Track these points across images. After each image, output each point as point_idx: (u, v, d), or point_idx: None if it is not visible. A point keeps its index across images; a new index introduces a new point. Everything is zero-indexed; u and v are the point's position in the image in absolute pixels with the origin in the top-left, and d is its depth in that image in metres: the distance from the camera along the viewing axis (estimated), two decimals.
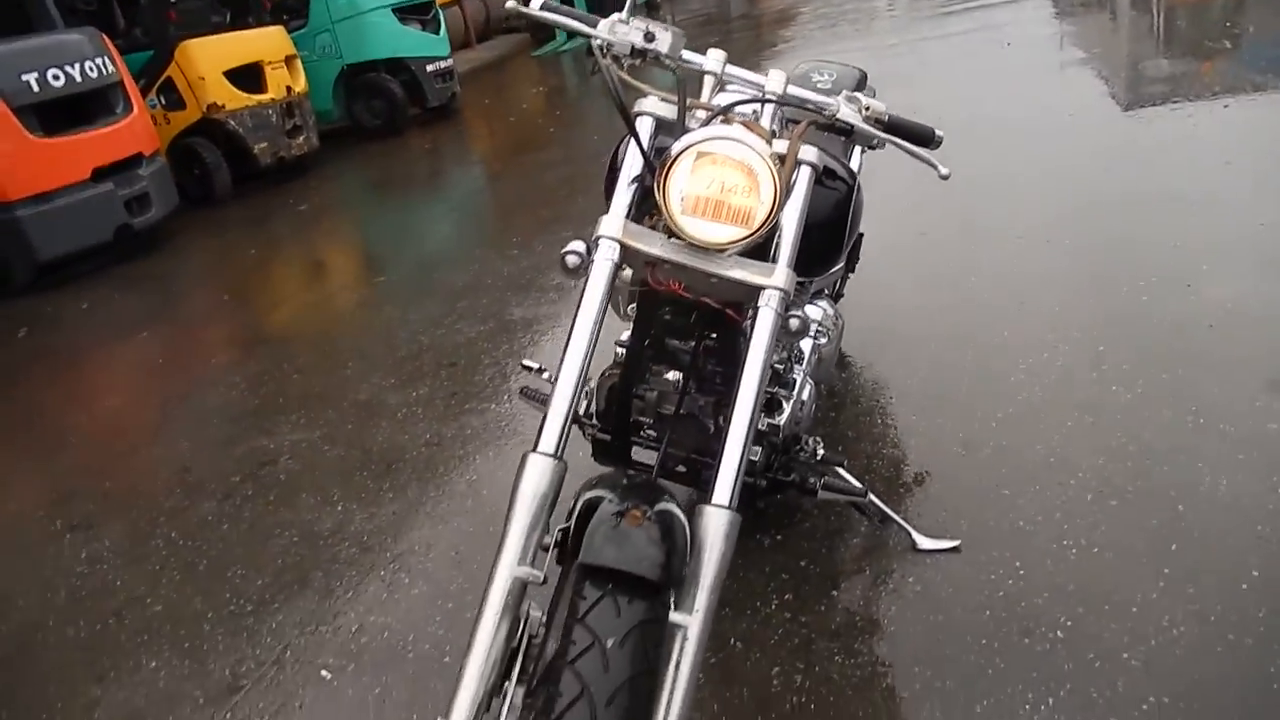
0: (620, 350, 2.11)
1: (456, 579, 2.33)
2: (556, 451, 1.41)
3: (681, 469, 2.08)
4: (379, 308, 4.02)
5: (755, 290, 1.53)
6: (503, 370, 3.35)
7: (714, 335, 1.86)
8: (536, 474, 1.38)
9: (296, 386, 3.42)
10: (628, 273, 2.00)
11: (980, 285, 3.44)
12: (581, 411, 2.20)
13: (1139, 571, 2.05)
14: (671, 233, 1.54)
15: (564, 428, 1.43)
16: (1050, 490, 2.34)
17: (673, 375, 1.99)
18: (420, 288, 4.16)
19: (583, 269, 1.58)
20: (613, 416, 2.07)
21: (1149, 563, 2.07)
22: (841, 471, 2.23)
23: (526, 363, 2.35)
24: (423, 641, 2.14)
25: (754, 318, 1.53)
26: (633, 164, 1.59)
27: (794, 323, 1.58)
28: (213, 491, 2.80)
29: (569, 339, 1.49)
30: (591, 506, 1.33)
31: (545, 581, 1.40)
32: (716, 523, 1.39)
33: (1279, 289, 3.09)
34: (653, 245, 1.54)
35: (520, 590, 1.35)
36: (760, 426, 2.11)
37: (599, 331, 1.52)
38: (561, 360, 1.48)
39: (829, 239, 2.00)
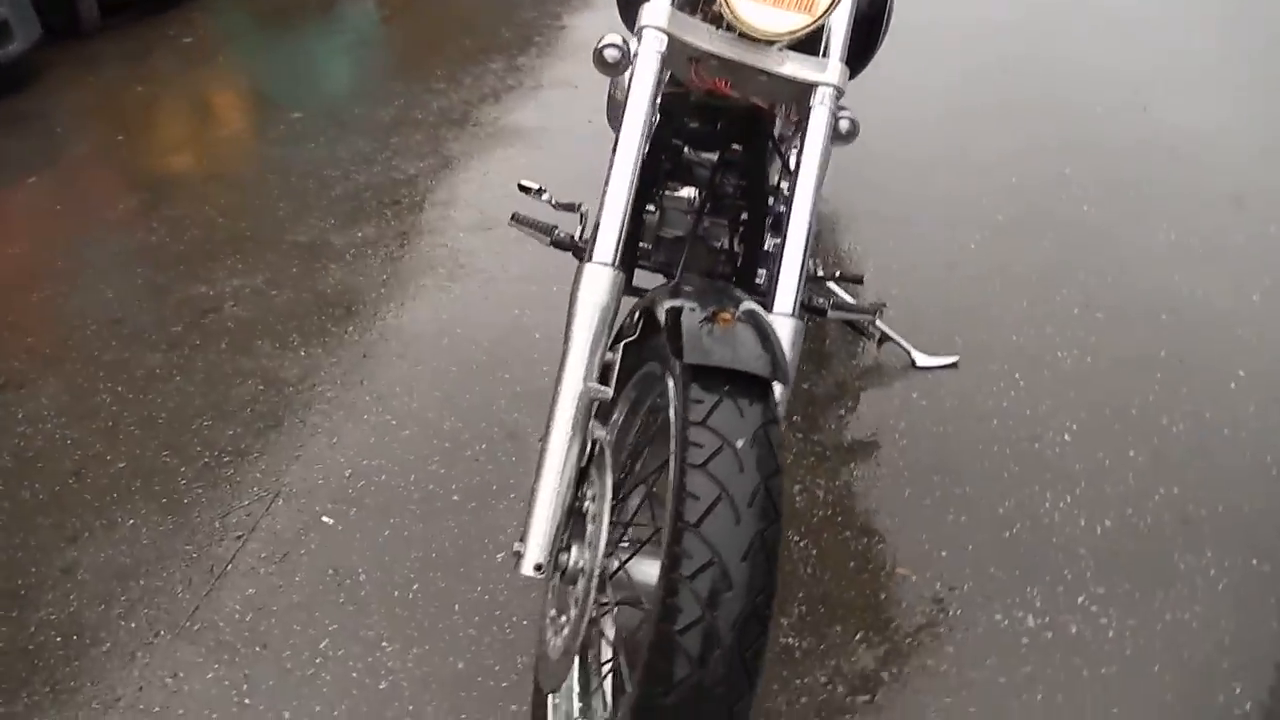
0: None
1: (448, 418, 2.22)
2: (614, 260, 1.31)
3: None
4: (300, 145, 3.69)
5: (807, 88, 1.42)
6: (451, 207, 3.16)
7: (739, 146, 1.75)
8: (597, 284, 1.29)
9: (224, 230, 3.13)
10: (613, 76, 1.88)
11: (940, 111, 3.40)
12: (577, 236, 2.08)
13: (1133, 377, 2.12)
14: (720, 23, 1.41)
15: (620, 235, 1.33)
16: (1037, 306, 2.38)
17: (687, 192, 1.88)
18: (343, 124, 3.83)
19: (624, 63, 1.44)
20: (629, 237, 1.95)
21: (1141, 369, 2.14)
22: (838, 290, 2.20)
23: (525, 183, 2.18)
24: (425, 483, 2.04)
25: (806, 117, 1.43)
26: None
27: (844, 124, 1.49)
28: (154, 343, 2.56)
29: (619, 138, 1.36)
30: (654, 316, 1.24)
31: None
32: (784, 331, 1.34)
33: (1229, 111, 3.17)
34: (701, 38, 1.40)
35: (588, 407, 1.28)
36: (767, 247, 2.03)
37: (650, 131, 1.39)
38: (612, 162, 1.35)
39: (866, 34, 1.88)
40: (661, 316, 1.22)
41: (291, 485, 2.06)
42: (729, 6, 1.34)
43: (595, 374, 1.28)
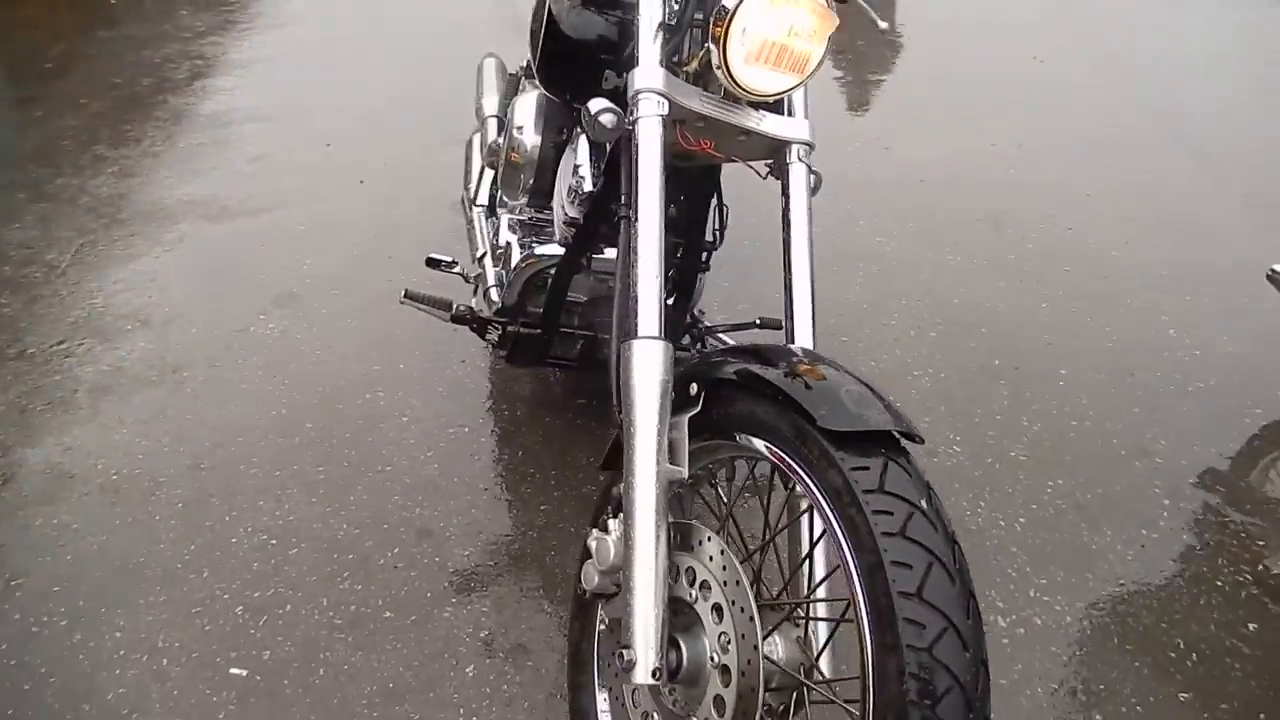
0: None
1: (339, 527, 1.97)
2: (661, 333, 1.25)
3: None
4: None
5: (781, 144, 1.46)
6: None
7: (683, 198, 1.74)
8: (652, 360, 1.22)
9: None
10: (532, 142, 1.81)
11: None
12: (488, 310, 1.95)
13: (984, 386, 2.38)
14: (701, 84, 1.41)
15: (660, 305, 1.27)
16: (878, 333, 2.60)
17: (612, 252, 1.84)
18: None
19: (620, 128, 1.38)
20: (552, 305, 1.87)
21: (987, 378, 2.41)
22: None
23: (434, 255, 2.00)
24: (344, 604, 1.79)
25: (785, 173, 1.46)
26: (653, 3, 1.39)
27: (812, 179, 1.54)
28: None
29: (637, 215, 1.29)
30: (721, 384, 1.20)
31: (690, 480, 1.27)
32: None
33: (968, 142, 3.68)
34: (692, 100, 1.39)
35: (667, 490, 1.20)
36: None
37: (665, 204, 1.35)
38: (636, 232, 1.29)
39: None
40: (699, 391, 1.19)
41: (176, 644, 1.72)
42: (729, 70, 1.33)
43: (667, 454, 1.21)
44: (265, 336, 2.58)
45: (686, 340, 2.05)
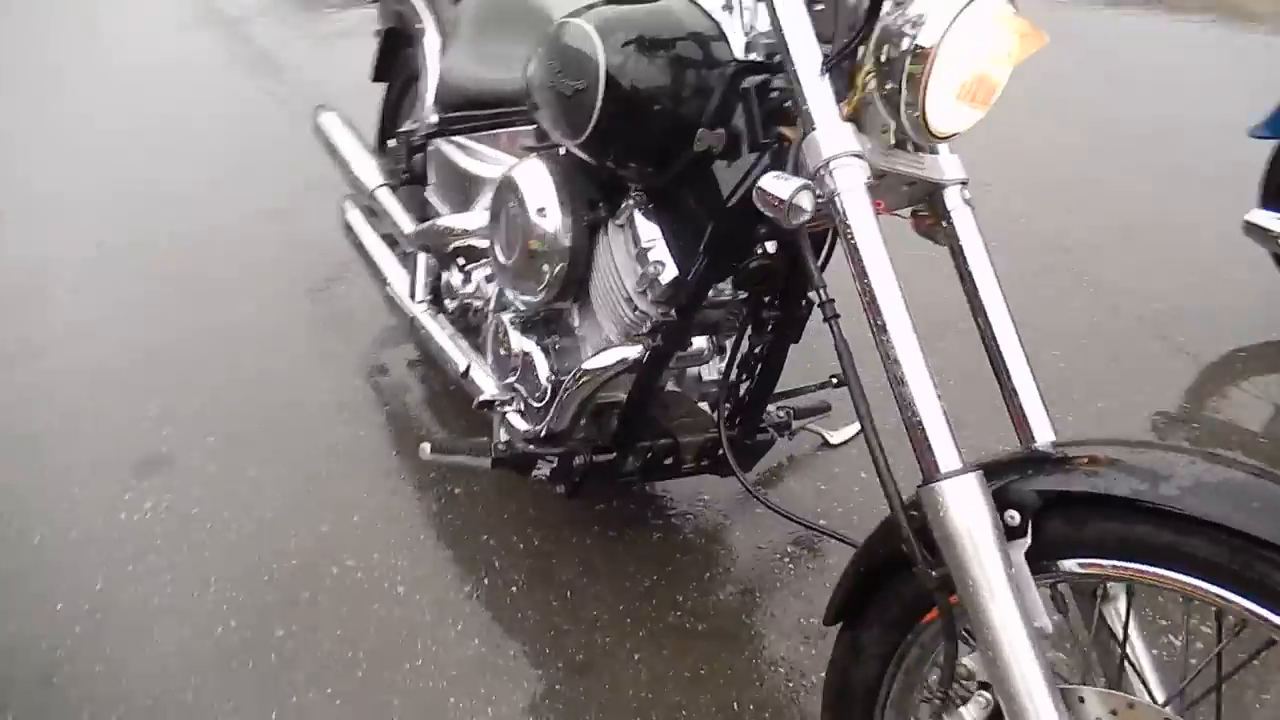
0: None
1: None
2: (964, 463, 0.97)
3: (695, 461, 1.63)
4: None
5: (936, 189, 1.21)
6: None
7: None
8: (972, 500, 0.96)
9: None
10: (560, 226, 1.45)
11: None
12: (505, 441, 1.55)
13: None
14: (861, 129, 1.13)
15: (952, 430, 0.99)
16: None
17: (699, 342, 1.51)
18: None
19: (819, 208, 1.06)
20: (630, 421, 1.50)
21: None
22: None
23: (485, 397, 1.52)
24: None
25: (947, 219, 1.21)
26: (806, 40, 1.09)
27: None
28: None
29: (883, 325, 1.00)
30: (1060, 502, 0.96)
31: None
32: None
33: None
34: (876, 156, 1.11)
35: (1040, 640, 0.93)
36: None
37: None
38: (891, 351, 0.99)
39: None
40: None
41: None
42: (925, 112, 1.07)
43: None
44: (145, 525, 1.95)
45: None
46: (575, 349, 1.61)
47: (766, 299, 1.44)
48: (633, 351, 1.43)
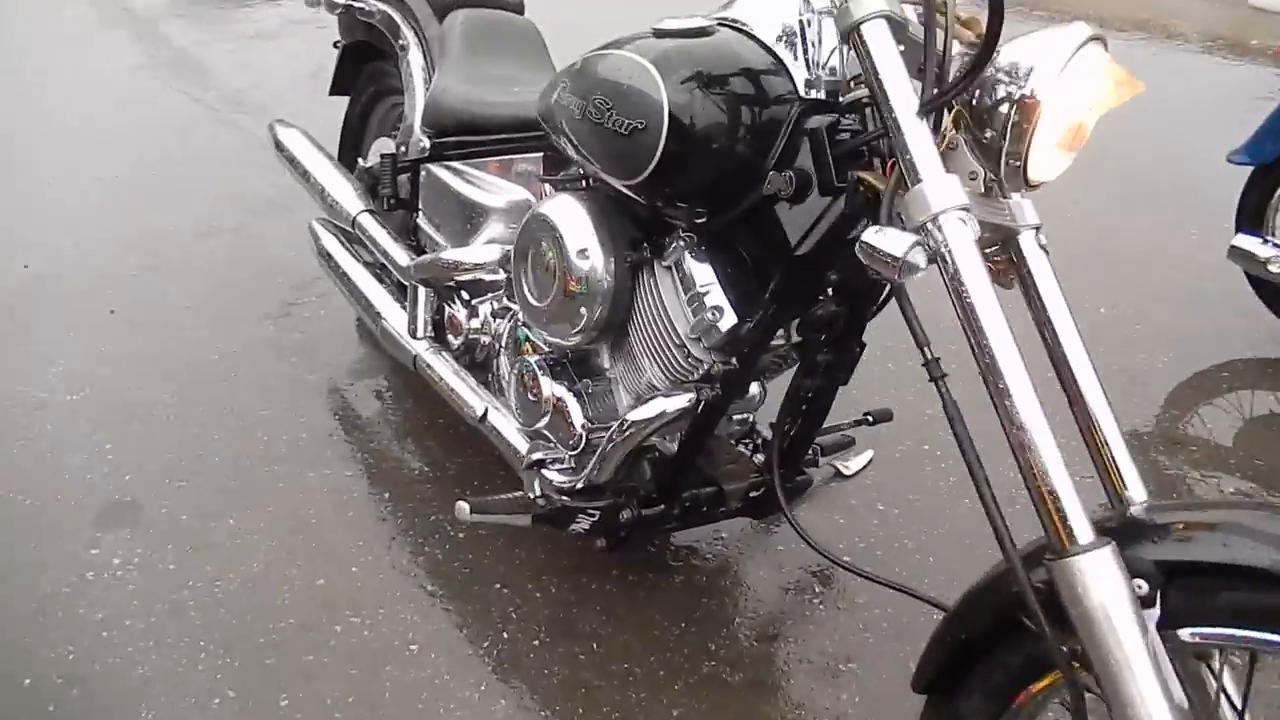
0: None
1: None
2: (1096, 534, 0.95)
3: (743, 500, 1.58)
4: None
5: (1011, 233, 1.19)
6: None
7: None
8: (1109, 574, 0.93)
9: None
10: (602, 268, 1.37)
11: None
12: (575, 490, 1.47)
13: None
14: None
15: (1080, 502, 0.96)
16: None
17: (752, 388, 1.46)
18: None
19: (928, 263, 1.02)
20: (681, 471, 1.44)
21: None
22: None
23: (536, 456, 1.42)
24: None
25: (1021, 267, 1.19)
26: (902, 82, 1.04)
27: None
28: None
29: (1007, 392, 0.97)
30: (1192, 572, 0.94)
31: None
32: None
33: None
34: (976, 206, 1.08)
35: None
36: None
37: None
38: (1016, 419, 0.96)
39: None
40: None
41: None
42: (1027, 161, 1.05)
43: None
44: (116, 584, 1.79)
45: None
46: (608, 393, 1.53)
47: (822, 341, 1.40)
48: (682, 400, 1.37)
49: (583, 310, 1.42)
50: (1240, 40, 4.75)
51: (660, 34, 1.29)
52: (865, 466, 2.04)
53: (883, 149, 1.19)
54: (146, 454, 2.10)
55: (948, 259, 0.99)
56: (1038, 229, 1.17)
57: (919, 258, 1.00)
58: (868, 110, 1.21)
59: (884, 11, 1.06)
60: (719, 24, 1.29)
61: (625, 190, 1.33)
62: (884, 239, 1.01)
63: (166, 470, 2.06)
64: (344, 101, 2.57)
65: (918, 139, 1.03)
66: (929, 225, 1.01)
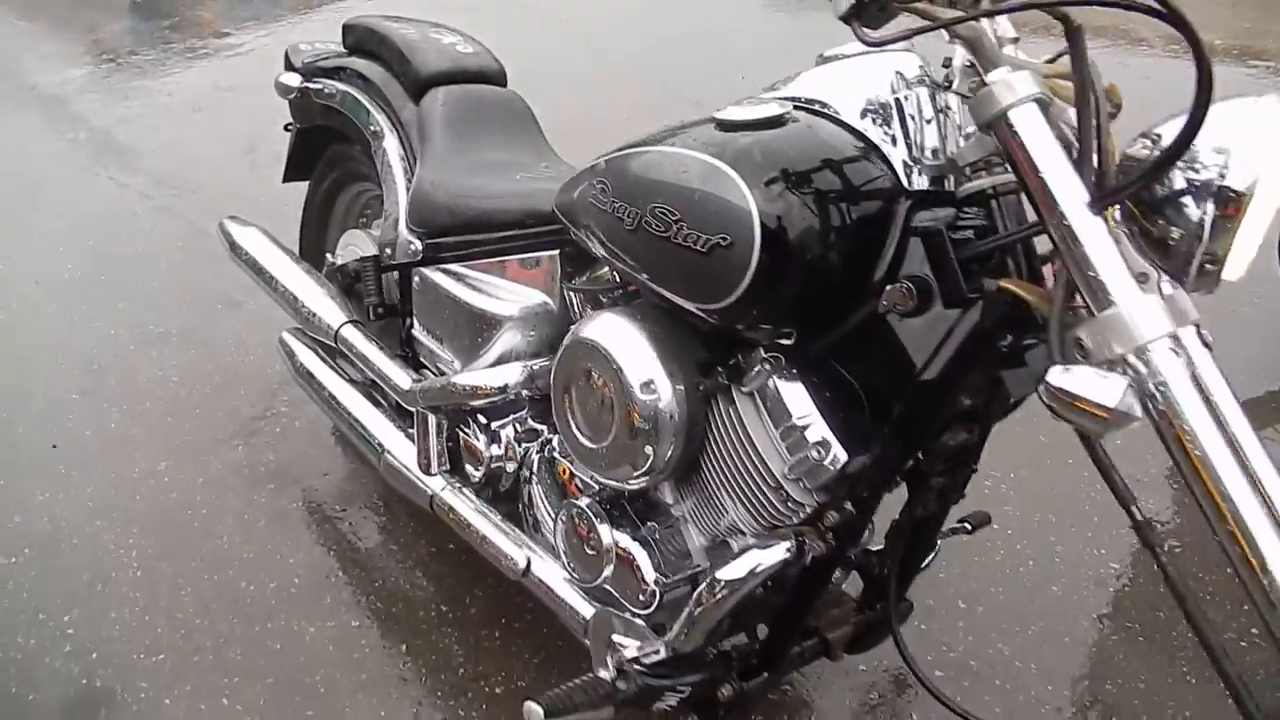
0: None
1: None
2: None
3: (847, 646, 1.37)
4: None
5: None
6: None
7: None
8: None
9: None
10: (672, 399, 1.15)
11: None
12: (658, 656, 1.24)
13: None
14: None
15: None
16: None
17: None
18: None
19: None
20: (783, 632, 1.22)
21: None
22: None
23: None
24: None
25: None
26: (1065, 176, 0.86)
27: None
28: None
29: (1240, 543, 0.77)
30: None
31: None
32: None
33: None
34: None
35: None
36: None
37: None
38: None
39: None
40: None
41: None
42: (1226, 257, 0.87)
43: None
44: None
45: None
46: (676, 534, 1.31)
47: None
48: (779, 550, 1.15)
49: (648, 450, 1.19)
50: None
51: (726, 126, 1.08)
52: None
53: (1016, 250, 1.00)
54: (113, 626, 1.81)
55: (1168, 398, 0.79)
56: (1198, 325, 0.99)
57: (1132, 405, 0.80)
58: (994, 204, 1.01)
59: (1036, 95, 0.87)
60: (793, 106, 1.08)
61: (699, 313, 1.11)
62: (1080, 382, 0.81)
63: (139, 643, 1.77)
64: (289, 184, 2.31)
65: (1099, 246, 0.84)
66: (1131, 358, 0.81)
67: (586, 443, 1.26)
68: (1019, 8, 0.88)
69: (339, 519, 2.08)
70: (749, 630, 1.31)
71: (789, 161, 1.02)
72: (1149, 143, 0.91)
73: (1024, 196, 1.01)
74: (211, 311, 2.87)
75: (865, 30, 0.88)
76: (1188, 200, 0.86)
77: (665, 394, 1.17)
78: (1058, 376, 0.83)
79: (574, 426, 1.28)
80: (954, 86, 1.01)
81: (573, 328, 1.29)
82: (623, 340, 1.20)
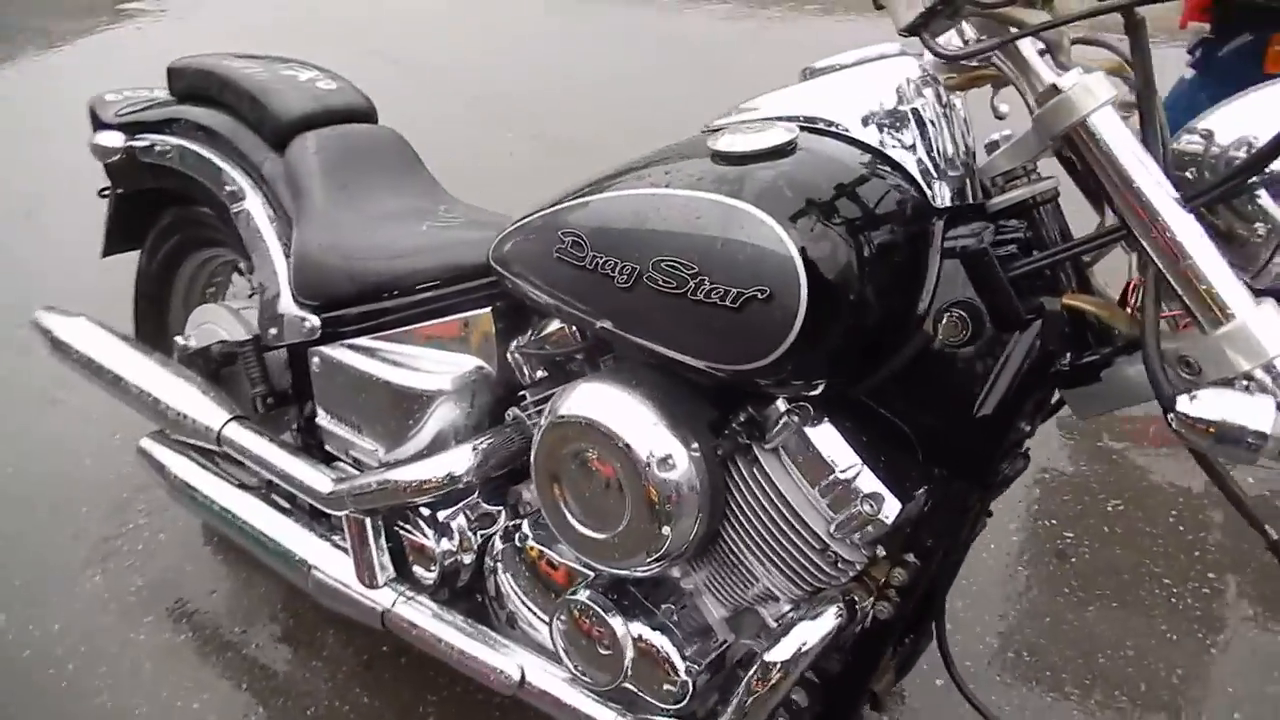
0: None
1: None
2: None
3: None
4: None
5: None
6: None
7: None
8: None
9: None
10: (690, 470, 1.02)
11: None
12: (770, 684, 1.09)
13: None
14: None
15: None
16: None
17: None
18: None
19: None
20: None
21: None
22: None
23: None
24: None
25: None
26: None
27: None
28: None
29: None
30: None
31: None
32: None
33: None
34: None
35: None
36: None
37: None
38: None
39: None
40: None
41: None
42: None
43: None
44: None
45: None
46: (694, 612, 1.16)
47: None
48: (829, 619, 1.03)
49: (666, 531, 1.04)
50: None
51: (729, 159, 0.94)
52: None
53: (1064, 262, 0.93)
54: None
55: None
56: None
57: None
58: (1036, 214, 0.93)
59: (1114, 96, 0.79)
60: (798, 127, 0.96)
61: (714, 373, 0.97)
62: (1222, 408, 0.73)
63: None
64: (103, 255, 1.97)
65: (1206, 255, 0.77)
66: (1259, 374, 0.74)
67: (591, 534, 1.09)
68: (1111, 8, 0.79)
69: (242, 642, 1.78)
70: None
71: (819, 192, 0.90)
72: (1199, 139, 0.85)
73: (1050, 206, 0.94)
74: (25, 415, 2.44)
75: (936, 43, 0.77)
76: (1263, 195, 0.81)
77: (682, 465, 1.02)
78: (1186, 405, 0.75)
79: (570, 518, 1.11)
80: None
81: (548, 406, 1.11)
82: (622, 411, 1.03)
